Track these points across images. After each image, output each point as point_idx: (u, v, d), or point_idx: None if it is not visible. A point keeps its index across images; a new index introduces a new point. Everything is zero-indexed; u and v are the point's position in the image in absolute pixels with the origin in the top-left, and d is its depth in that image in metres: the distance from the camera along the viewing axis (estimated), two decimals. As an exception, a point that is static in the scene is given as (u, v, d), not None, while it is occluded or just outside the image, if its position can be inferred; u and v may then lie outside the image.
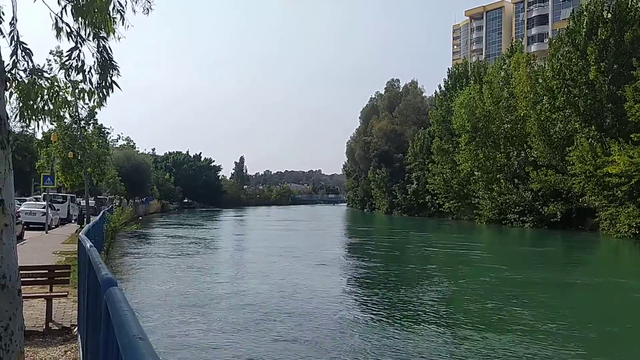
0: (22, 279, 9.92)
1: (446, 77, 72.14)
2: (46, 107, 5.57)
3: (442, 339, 11.86)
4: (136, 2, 5.29)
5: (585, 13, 44.56)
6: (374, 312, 14.51)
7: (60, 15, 5.12)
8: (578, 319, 14.23)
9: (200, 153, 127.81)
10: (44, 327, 8.98)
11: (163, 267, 22.86)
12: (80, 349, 6.60)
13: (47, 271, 10.17)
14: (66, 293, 10.15)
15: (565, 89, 44.46)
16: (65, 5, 5.07)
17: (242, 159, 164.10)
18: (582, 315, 14.95)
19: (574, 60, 43.84)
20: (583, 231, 45.87)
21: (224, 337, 11.65)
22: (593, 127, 42.55)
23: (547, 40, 55.71)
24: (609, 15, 42.55)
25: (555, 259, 28.83)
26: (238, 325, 12.52)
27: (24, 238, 24.51)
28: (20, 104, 5.44)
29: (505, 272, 22.48)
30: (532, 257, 30.24)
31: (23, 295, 7.80)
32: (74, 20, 5.08)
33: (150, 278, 19.70)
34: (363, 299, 16.35)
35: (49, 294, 9.52)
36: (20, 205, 34.64)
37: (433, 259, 27.80)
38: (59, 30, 5.07)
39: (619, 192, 39.80)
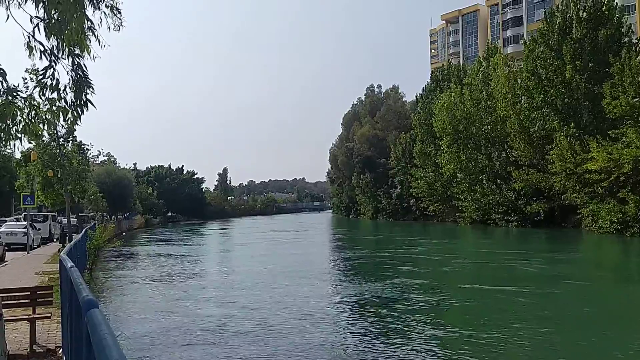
0: (4, 302, 9.79)
1: (428, 81, 72.94)
2: (22, 127, 5.51)
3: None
4: (111, 18, 5.25)
5: (557, 14, 45.28)
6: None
7: (32, 34, 5.07)
8: None
9: (183, 166, 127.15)
10: (28, 350, 8.82)
11: (155, 292, 20.30)
12: (66, 371, 6.48)
13: (29, 293, 10.00)
14: (50, 314, 9.99)
15: (542, 89, 45.10)
16: (38, 24, 5.02)
17: (225, 170, 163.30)
18: None
19: (548, 60, 44.49)
20: (566, 228, 46.39)
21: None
22: (571, 125, 43.18)
23: (522, 41, 56.41)
24: (584, 15, 43.26)
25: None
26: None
27: (5, 259, 24.13)
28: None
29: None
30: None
31: (5, 318, 7.69)
32: (47, 39, 5.03)
33: (142, 306, 17.31)
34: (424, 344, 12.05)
35: (32, 316, 9.35)
36: (0, 226, 34.15)
37: (481, 277, 22.61)
38: (30, 49, 5.02)
39: (599, 188, 40.35)
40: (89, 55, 5.22)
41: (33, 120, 5.52)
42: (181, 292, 20.30)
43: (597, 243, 37.73)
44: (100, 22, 5.25)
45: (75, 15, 4.75)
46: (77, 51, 5.23)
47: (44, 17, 4.96)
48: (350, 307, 16.69)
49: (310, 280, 22.25)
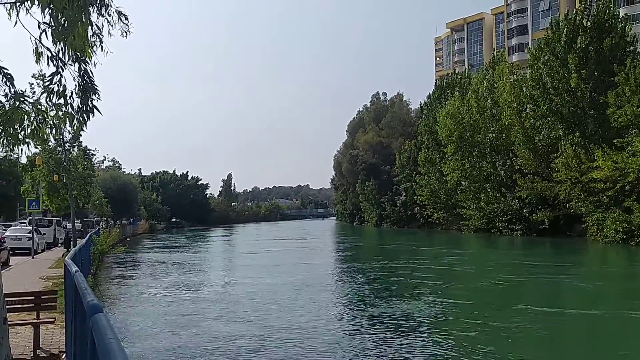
0: (8, 306, 9.80)
1: (433, 88, 72.95)
2: (29, 132, 5.54)
3: None
4: (113, 26, 5.28)
5: (564, 22, 45.26)
6: None
7: (39, 40, 5.11)
8: None
9: (187, 172, 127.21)
10: (32, 355, 8.83)
11: (163, 305, 18.88)
12: (69, 376, 6.48)
13: (33, 297, 10.04)
14: (53, 319, 10.00)
15: (547, 98, 45.01)
16: (45, 30, 5.06)
17: (229, 176, 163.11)
18: None
19: (554, 68, 44.41)
20: (571, 237, 46.15)
21: None
22: (576, 133, 43.08)
23: (527, 50, 56.35)
24: (589, 24, 43.23)
25: None
26: None
27: (10, 264, 24.20)
28: (2, 130, 5.40)
29: None
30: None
31: (9, 322, 7.70)
32: (54, 45, 5.07)
33: (151, 320, 15.98)
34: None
35: (36, 321, 9.38)
36: (5, 230, 34.29)
37: (529, 295, 20.13)
38: (38, 55, 5.06)
39: (604, 197, 40.21)
40: (90, 61, 5.26)
41: (40, 126, 5.56)
42: (191, 305, 18.80)
43: (617, 254, 36.50)
44: (102, 28, 5.28)
45: (80, 22, 4.79)
46: (83, 57, 5.27)
47: (51, 23, 4.99)
48: (386, 329, 14.42)
49: (332, 296, 20.56)
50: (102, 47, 5.22)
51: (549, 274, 25.57)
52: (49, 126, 5.65)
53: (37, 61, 5.10)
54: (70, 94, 5.27)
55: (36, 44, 5.12)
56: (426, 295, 19.39)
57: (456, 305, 17.65)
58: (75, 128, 5.58)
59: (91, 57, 5.20)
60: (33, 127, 5.50)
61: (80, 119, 5.35)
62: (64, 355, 8.33)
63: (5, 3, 5.11)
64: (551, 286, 22.22)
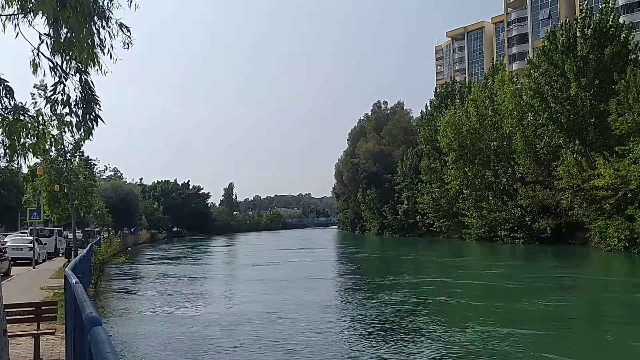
0: (8, 317, 9.77)
1: (432, 97, 73.18)
2: (30, 142, 5.56)
3: None
4: (114, 38, 5.30)
5: (561, 31, 45.27)
6: None
7: (39, 51, 5.13)
8: None
9: (189, 181, 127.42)
10: (32, 366, 8.79)
11: (168, 325, 17.16)
12: (69, 388, 6.45)
13: (34, 308, 10.01)
14: (54, 330, 9.97)
15: (547, 106, 45.01)
16: (45, 41, 5.08)
17: (231, 185, 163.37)
18: None
19: (553, 77, 44.40)
20: (573, 245, 45.91)
21: None
22: (577, 141, 43.05)
23: (527, 59, 56.44)
24: (590, 32, 43.27)
25: None
26: None
27: (11, 274, 24.16)
28: (6, 142, 5.42)
29: None
30: None
31: (9, 333, 7.66)
32: (54, 56, 5.09)
33: (158, 347, 14.29)
34: None
35: (36, 332, 9.35)
36: (7, 240, 34.28)
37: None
38: (35, 66, 5.08)
39: (606, 205, 40.09)
40: (100, 69, 5.26)
41: (41, 137, 5.57)
42: (205, 327, 16.76)
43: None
44: (104, 40, 5.31)
45: (84, 31, 4.80)
46: (83, 68, 5.29)
47: (51, 34, 5.02)
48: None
49: (368, 320, 17.50)
50: (110, 55, 5.25)
51: (607, 290, 22.36)
52: (49, 137, 5.67)
53: (35, 72, 5.12)
54: (74, 103, 5.29)
55: (35, 54, 5.15)
56: (489, 323, 15.75)
57: (547, 338, 14.30)
58: (81, 137, 5.60)
59: (101, 65, 5.23)
60: (35, 139, 5.52)
61: (85, 127, 5.37)
62: (64, 366, 8.30)
63: (5, 15, 5.13)
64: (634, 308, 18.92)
